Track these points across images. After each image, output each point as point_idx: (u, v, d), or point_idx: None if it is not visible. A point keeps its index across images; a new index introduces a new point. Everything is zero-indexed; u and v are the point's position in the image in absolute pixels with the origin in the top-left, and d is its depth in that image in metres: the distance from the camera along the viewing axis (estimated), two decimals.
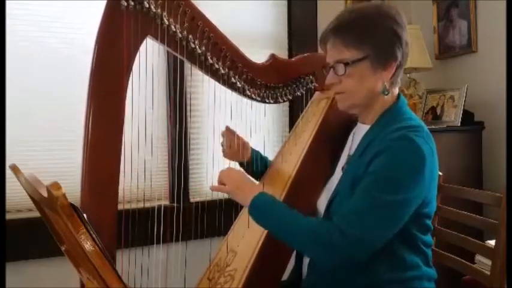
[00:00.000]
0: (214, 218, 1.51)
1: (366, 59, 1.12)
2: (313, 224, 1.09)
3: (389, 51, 1.13)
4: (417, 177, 1.05)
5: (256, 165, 1.52)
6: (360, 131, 1.23)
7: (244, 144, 1.51)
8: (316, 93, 1.53)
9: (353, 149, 1.23)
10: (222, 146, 1.51)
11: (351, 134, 1.30)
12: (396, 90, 1.21)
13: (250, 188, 1.18)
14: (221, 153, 1.51)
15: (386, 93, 1.16)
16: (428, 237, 1.18)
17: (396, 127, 1.10)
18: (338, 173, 1.26)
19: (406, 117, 1.15)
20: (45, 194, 0.79)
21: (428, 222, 1.16)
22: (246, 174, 1.22)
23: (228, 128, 1.49)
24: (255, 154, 1.54)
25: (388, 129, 1.11)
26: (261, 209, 1.14)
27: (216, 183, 1.23)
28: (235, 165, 1.52)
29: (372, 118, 1.20)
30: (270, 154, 1.59)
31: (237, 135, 1.50)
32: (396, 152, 1.06)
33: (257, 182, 1.21)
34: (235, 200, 1.19)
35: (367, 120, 1.21)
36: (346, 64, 1.13)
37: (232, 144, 1.49)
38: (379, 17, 1.13)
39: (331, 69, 1.17)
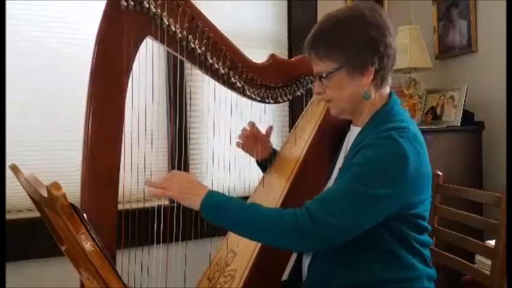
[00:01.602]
0: None
1: (341, 68, 1.13)
2: (277, 210, 1.09)
3: (364, 57, 1.11)
4: (396, 178, 1.05)
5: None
6: (353, 133, 1.23)
7: (265, 143, 1.50)
8: None
9: (347, 151, 1.23)
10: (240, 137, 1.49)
11: (346, 137, 1.30)
12: (386, 90, 1.20)
13: (196, 190, 1.11)
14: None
15: (366, 97, 1.15)
16: (425, 237, 1.18)
17: (384, 128, 1.10)
18: (335, 175, 1.26)
19: (396, 118, 1.15)
20: (45, 194, 0.79)
21: (423, 222, 1.15)
22: (190, 176, 1.16)
23: (253, 125, 1.48)
24: (274, 153, 1.53)
25: (377, 130, 1.11)
26: (215, 208, 1.09)
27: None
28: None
29: (363, 120, 1.20)
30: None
31: (260, 134, 1.48)
32: (378, 149, 1.06)
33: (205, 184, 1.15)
34: (183, 205, 1.13)
35: (359, 122, 1.22)
36: (322, 77, 1.15)
37: (251, 138, 1.47)
38: (351, 23, 1.12)
39: (316, 79, 1.19)
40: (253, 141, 1.48)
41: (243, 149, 1.50)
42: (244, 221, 1.08)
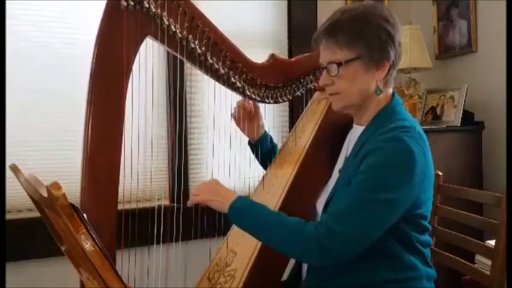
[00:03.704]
0: (214, 218, 1.51)
1: (359, 59, 1.12)
2: (299, 222, 1.08)
3: (382, 51, 1.13)
4: (406, 178, 1.05)
5: (266, 145, 1.53)
6: (356, 132, 1.23)
7: (259, 120, 1.51)
8: (316, 93, 1.53)
9: (349, 151, 1.23)
10: (234, 112, 1.50)
11: (348, 136, 1.30)
12: (390, 90, 1.20)
13: (225, 193, 1.17)
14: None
15: (379, 92, 1.15)
16: (425, 237, 1.18)
17: (389, 128, 1.10)
18: (336, 175, 1.26)
19: (399, 117, 1.15)
20: (45, 194, 0.79)
21: (424, 222, 1.15)
22: (220, 182, 1.21)
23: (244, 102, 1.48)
24: (266, 136, 1.54)
25: (381, 130, 1.11)
26: (241, 212, 1.13)
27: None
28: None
29: (366, 119, 1.19)
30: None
31: (254, 106, 1.49)
32: (386, 152, 1.06)
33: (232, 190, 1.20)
34: (213, 208, 1.18)
35: (362, 121, 1.21)
36: (339, 64, 1.13)
37: (244, 112, 1.48)
38: (371, 17, 1.13)
39: (324, 70, 1.17)
40: (246, 117, 1.49)
41: (236, 120, 1.51)
42: (266, 226, 1.10)
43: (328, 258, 1.06)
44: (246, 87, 1.36)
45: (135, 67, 1.19)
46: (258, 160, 1.56)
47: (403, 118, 1.15)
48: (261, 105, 1.47)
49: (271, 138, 1.57)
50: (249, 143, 1.56)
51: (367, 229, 1.04)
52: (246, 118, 1.50)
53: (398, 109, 1.18)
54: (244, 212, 1.13)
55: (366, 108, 1.19)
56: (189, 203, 1.21)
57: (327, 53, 1.16)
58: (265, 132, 1.55)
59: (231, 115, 1.50)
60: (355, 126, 1.26)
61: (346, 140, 1.30)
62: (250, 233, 1.14)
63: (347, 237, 1.03)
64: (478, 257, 1.76)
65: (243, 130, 1.53)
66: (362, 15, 1.13)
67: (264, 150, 1.53)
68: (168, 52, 1.45)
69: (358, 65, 1.13)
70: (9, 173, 1.13)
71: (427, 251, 1.18)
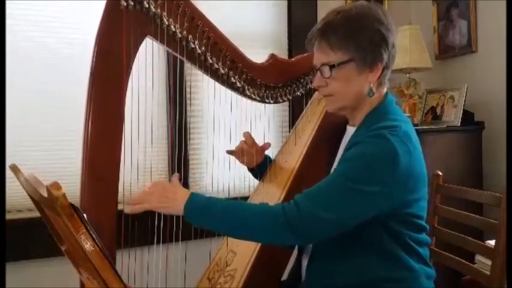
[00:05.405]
0: None
1: (352, 61, 1.12)
2: (264, 205, 1.08)
3: (375, 53, 1.12)
4: (384, 176, 1.04)
5: (265, 168, 1.51)
6: (349, 133, 1.23)
7: (258, 152, 1.49)
8: (316, 93, 1.53)
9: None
10: (235, 150, 1.49)
11: (343, 138, 1.30)
12: (384, 90, 1.20)
13: (175, 194, 1.09)
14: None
15: (371, 94, 1.15)
16: (423, 236, 1.17)
17: (376, 127, 1.10)
18: None
19: (390, 117, 1.14)
20: (45, 194, 0.79)
21: (419, 221, 1.15)
22: (169, 182, 1.13)
23: (248, 135, 1.47)
24: (265, 160, 1.53)
25: (369, 129, 1.11)
26: (199, 209, 1.07)
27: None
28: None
29: (359, 119, 1.19)
30: (269, 154, 1.59)
31: (255, 143, 1.48)
32: (369, 147, 1.06)
33: (182, 188, 1.12)
34: (165, 213, 1.11)
35: (355, 122, 1.21)
36: (332, 66, 1.13)
37: (246, 149, 1.47)
38: (366, 19, 1.12)
39: (318, 72, 1.17)
40: (246, 151, 1.48)
41: (234, 155, 1.50)
42: (230, 218, 1.07)
43: (295, 234, 1.04)
44: (246, 87, 1.37)
45: (135, 67, 1.19)
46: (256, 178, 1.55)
47: (393, 118, 1.14)
48: (261, 105, 1.47)
49: (269, 158, 1.55)
50: (248, 167, 1.53)
51: (334, 214, 1.03)
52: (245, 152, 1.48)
53: (390, 108, 1.18)
54: (202, 208, 1.07)
55: (360, 109, 1.19)
56: (131, 211, 1.09)
57: (320, 55, 1.16)
58: (265, 157, 1.53)
59: (228, 151, 1.48)
60: (348, 127, 1.26)
61: (342, 141, 1.30)
62: (213, 229, 1.10)
63: (315, 216, 1.02)
64: (478, 257, 1.76)
65: (241, 162, 1.50)
66: (356, 17, 1.13)
67: (263, 171, 1.52)
68: (168, 52, 1.45)
69: (351, 67, 1.13)
70: (9, 173, 1.13)
71: (424, 250, 1.18)
